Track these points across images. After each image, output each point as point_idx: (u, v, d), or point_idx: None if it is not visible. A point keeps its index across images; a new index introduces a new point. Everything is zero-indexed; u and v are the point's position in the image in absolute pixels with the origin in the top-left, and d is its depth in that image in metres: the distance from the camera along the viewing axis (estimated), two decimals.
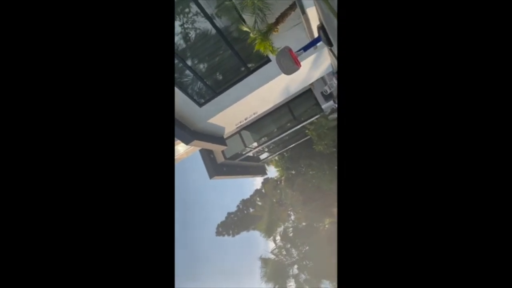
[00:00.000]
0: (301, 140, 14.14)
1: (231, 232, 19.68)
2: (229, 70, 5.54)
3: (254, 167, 14.87)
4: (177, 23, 4.75)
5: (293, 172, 16.40)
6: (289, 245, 15.39)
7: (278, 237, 15.80)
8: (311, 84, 9.70)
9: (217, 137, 7.01)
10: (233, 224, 19.69)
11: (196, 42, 5.09)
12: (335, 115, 11.63)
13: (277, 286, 13.67)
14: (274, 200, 17.01)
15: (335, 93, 9.62)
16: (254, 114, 7.51)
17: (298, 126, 11.48)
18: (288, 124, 11.42)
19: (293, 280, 14.07)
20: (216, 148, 7.33)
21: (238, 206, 20.10)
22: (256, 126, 10.81)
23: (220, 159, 10.85)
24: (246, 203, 19.97)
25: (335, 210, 14.77)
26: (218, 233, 19.87)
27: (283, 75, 4.85)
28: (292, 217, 17.03)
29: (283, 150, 15.15)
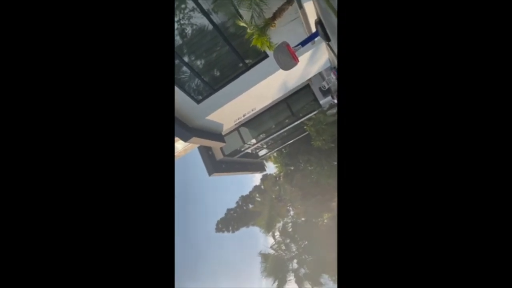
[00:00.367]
0: (300, 136, 14.16)
1: (230, 228, 19.77)
2: (227, 66, 5.51)
3: (253, 164, 14.89)
4: None
5: (292, 168, 16.45)
6: (288, 240, 15.51)
7: (277, 233, 15.91)
8: (309, 79, 9.68)
9: (215, 134, 7.00)
10: (233, 220, 19.77)
11: (193, 38, 5.05)
12: (333, 111, 11.63)
13: (277, 281, 13.79)
14: (273, 196, 17.09)
15: (333, 89, 9.60)
16: (252, 110, 7.49)
17: (297, 122, 11.48)
18: (287, 120, 11.42)
19: (293, 274, 14.21)
20: (215, 145, 7.32)
21: (237, 202, 20.17)
22: (255, 122, 10.80)
23: (218, 156, 10.85)
24: (245, 200, 20.04)
25: (333, 205, 14.87)
26: (218, 229, 19.95)
27: (281, 71, 4.83)
28: (291, 213, 17.13)
29: (282, 146, 15.17)
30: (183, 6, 4.62)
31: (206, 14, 4.68)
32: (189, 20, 4.83)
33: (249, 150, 12.77)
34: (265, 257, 14.61)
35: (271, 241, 15.74)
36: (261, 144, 13.39)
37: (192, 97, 5.60)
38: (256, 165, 15.59)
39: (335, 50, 4.80)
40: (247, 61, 5.38)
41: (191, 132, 5.65)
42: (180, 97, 5.41)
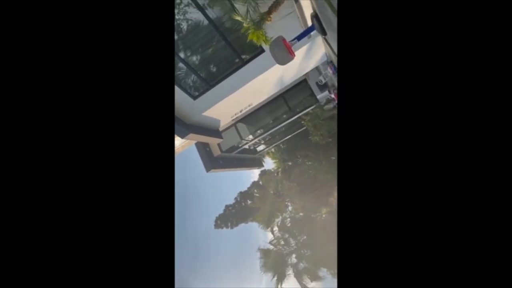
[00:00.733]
0: (297, 131, 14.18)
1: (229, 224, 19.84)
2: (223, 62, 5.48)
3: (251, 160, 14.91)
4: None
5: (290, 163, 16.51)
6: (287, 235, 15.64)
7: (276, 228, 16.03)
8: (306, 74, 9.66)
9: (212, 130, 6.99)
10: (231, 216, 19.83)
11: (188, 33, 5.01)
12: (330, 105, 11.64)
13: (276, 275, 13.93)
14: (272, 192, 17.16)
15: (330, 83, 9.59)
16: (249, 106, 7.48)
17: (294, 117, 11.49)
18: (284, 116, 11.42)
19: (292, 268, 14.36)
20: (212, 141, 7.32)
21: (236, 198, 20.21)
22: (252, 118, 10.79)
23: (216, 152, 10.84)
24: (243, 195, 20.09)
25: (331, 200, 14.99)
26: (217, 225, 20.01)
27: (277, 66, 4.82)
28: (290, 208, 17.25)
29: (280, 141, 15.20)
30: (178, 1, 4.57)
31: (201, 9, 4.64)
32: (184, 15, 4.79)
33: (246, 146, 12.77)
34: (264, 252, 14.74)
35: (270, 236, 15.87)
36: (259, 140, 13.40)
37: (188, 93, 5.57)
38: (254, 161, 15.62)
39: (332, 44, 4.79)
40: (243, 56, 5.35)
41: (188, 128, 5.64)
42: (177, 94, 5.38)
